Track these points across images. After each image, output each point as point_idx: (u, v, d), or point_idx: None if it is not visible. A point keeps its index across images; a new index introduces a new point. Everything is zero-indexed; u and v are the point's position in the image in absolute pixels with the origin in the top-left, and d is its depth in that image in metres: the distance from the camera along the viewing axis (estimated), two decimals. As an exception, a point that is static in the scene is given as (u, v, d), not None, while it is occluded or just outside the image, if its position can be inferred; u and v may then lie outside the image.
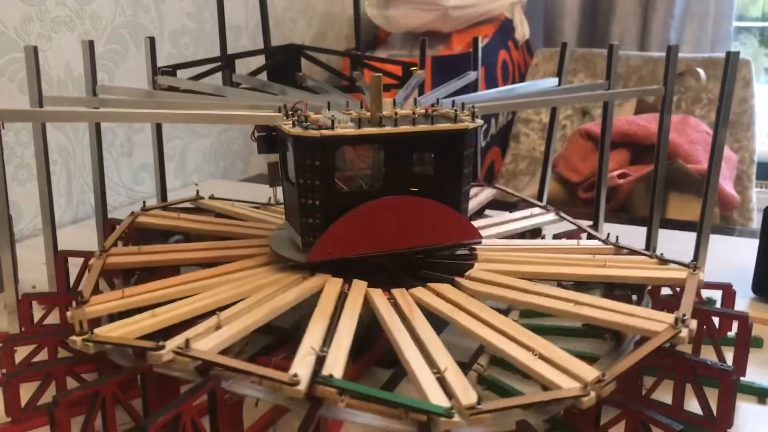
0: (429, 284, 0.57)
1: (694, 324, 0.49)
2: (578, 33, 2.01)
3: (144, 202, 0.79)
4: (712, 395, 0.48)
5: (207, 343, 0.45)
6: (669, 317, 0.50)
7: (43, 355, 0.55)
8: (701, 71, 1.54)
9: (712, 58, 1.68)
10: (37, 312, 0.61)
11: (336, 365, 0.44)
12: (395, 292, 0.56)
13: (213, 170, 1.32)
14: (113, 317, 0.52)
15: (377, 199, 0.57)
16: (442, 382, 0.44)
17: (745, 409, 0.53)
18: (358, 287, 0.56)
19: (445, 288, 0.57)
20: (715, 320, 0.58)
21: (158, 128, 0.86)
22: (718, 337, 0.56)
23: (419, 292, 0.56)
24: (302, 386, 0.41)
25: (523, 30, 1.79)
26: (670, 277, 0.59)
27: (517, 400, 0.44)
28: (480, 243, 0.63)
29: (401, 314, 0.52)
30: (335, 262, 0.58)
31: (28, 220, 0.96)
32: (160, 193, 0.88)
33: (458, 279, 0.58)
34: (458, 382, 0.44)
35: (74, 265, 0.68)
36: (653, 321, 0.50)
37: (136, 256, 0.64)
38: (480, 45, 0.91)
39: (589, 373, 0.45)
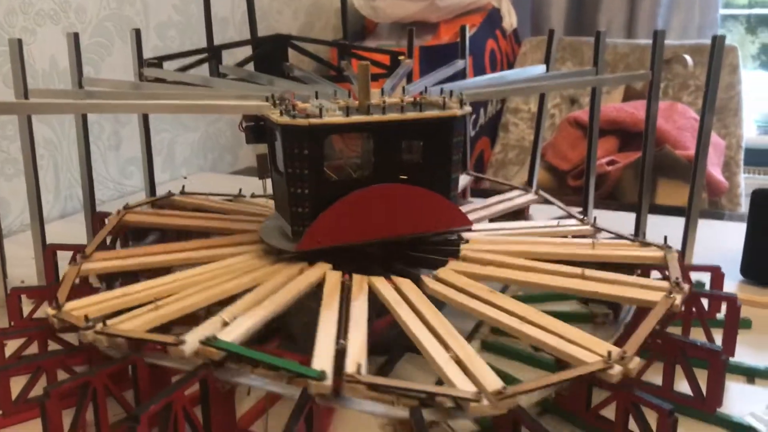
0: (427, 271, 0.58)
1: (687, 288, 0.51)
2: (566, 21, 2.01)
3: (127, 203, 0.77)
4: (702, 376, 0.48)
5: (229, 334, 0.45)
6: (664, 284, 0.51)
7: (33, 349, 0.54)
8: (688, 58, 1.55)
9: (699, 45, 1.68)
10: (27, 306, 0.61)
11: (358, 357, 0.44)
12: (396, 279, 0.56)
13: (202, 163, 1.31)
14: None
15: (366, 188, 0.57)
16: (463, 368, 0.44)
17: (734, 389, 0.53)
18: (359, 277, 0.56)
19: (441, 272, 0.57)
20: (705, 302, 0.58)
21: (145, 120, 0.85)
22: (708, 319, 0.57)
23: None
24: (328, 382, 0.41)
25: (510, 19, 1.79)
26: (651, 255, 0.59)
27: (546, 380, 0.43)
28: (470, 229, 0.63)
29: (407, 301, 0.52)
30: (326, 251, 0.58)
31: (15, 216, 0.96)
32: (149, 187, 0.88)
33: (452, 261, 0.59)
34: (480, 367, 0.44)
35: (63, 258, 0.68)
36: (650, 290, 0.51)
37: (116, 261, 0.61)
38: (467, 34, 0.91)
39: (603, 348, 0.45)
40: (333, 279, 0.55)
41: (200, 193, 0.81)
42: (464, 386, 0.42)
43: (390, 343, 0.57)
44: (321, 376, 0.41)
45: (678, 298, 0.49)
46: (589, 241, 0.64)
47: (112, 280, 0.61)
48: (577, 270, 0.56)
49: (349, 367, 0.42)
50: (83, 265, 0.59)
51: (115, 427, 0.45)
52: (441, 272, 0.57)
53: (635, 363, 0.44)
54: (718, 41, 0.67)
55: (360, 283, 0.55)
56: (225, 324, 0.47)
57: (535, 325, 0.49)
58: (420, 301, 0.53)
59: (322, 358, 0.43)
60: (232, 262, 0.59)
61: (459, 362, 0.44)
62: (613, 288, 0.54)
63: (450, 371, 0.44)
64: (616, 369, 0.43)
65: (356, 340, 0.46)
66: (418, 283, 0.56)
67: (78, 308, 0.51)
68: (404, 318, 0.50)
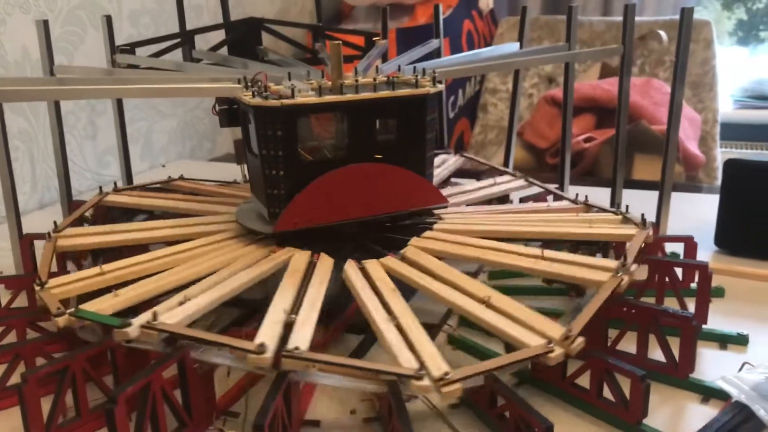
0: (392, 252, 0.58)
1: (635, 268, 0.51)
2: (542, 1, 2.02)
3: (115, 183, 0.78)
4: (675, 343, 0.49)
5: (174, 316, 0.45)
6: (614, 264, 0.51)
7: (12, 338, 0.54)
8: (663, 34, 1.56)
9: (674, 21, 1.69)
10: (5, 296, 0.61)
11: (304, 333, 0.44)
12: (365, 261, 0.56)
13: (180, 151, 1.31)
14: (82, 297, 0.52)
15: (341, 168, 0.58)
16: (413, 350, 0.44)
17: (708, 355, 0.54)
18: (326, 258, 0.56)
19: (408, 251, 0.58)
20: (679, 273, 0.59)
21: (120, 108, 0.85)
22: (683, 289, 0.58)
23: (388, 261, 0.56)
24: (268, 355, 0.41)
25: (486, -1, 1.79)
26: (623, 233, 0.60)
27: (485, 365, 0.43)
28: (446, 207, 0.64)
29: (372, 285, 0.53)
30: (303, 232, 0.58)
31: (-7, 208, 0.95)
32: (125, 175, 0.87)
33: (412, 240, 0.59)
34: (428, 351, 0.44)
35: (41, 249, 0.67)
36: (597, 270, 0.52)
37: (94, 236, 0.62)
38: (441, 13, 0.91)
39: (556, 330, 0.45)
40: (300, 258, 0.55)
41: (197, 179, 0.81)
42: (410, 365, 0.42)
43: (365, 323, 0.57)
44: (259, 349, 0.41)
45: (625, 279, 0.49)
46: (565, 217, 0.64)
47: (96, 256, 0.62)
48: (537, 251, 0.56)
49: (291, 344, 0.42)
50: (58, 241, 0.59)
51: (95, 411, 0.45)
52: (407, 252, 0.58)
53: (579, 343, 0.44)
54: (686, 13, 0.67)
55: (326, 263, 0.55)
56: (180, 303, 0.48)
57: (494, 309, 0.49)
58: (384, 282, 0.53)
59: (267, 333, 0.43)
60: (207, 244, 0.60)
61: (409, 343, 0.44)
62: (566, 268, 0.53)
63: (398, 350, 0.44)
64: (557, 352, 0.43)
65: (308, 317, 0.46)
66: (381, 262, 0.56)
67: (57, 286, 0.51)
68: (365, 299, 0.50)
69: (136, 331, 0.43)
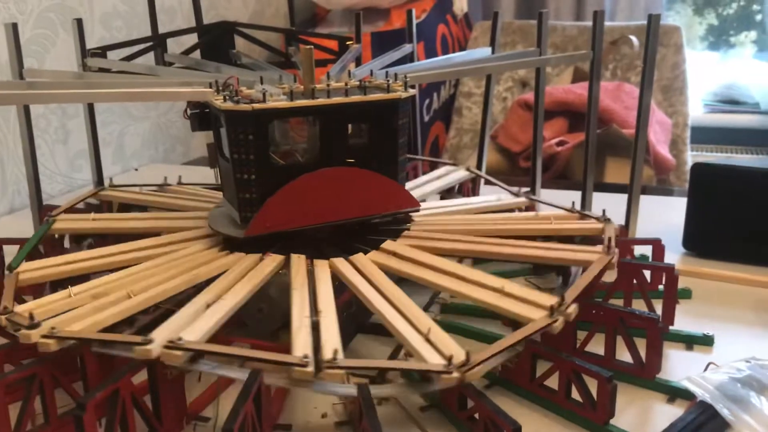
0: (380, 246, 0.59)
1: (615, 255, 0.55)
2: (516, 5, 2.03)
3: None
4: (643, 345, 0.50)
5: (194, 333, 0.45)
6: (599, 249, 0.55)
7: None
8: (634, 39, 1.58)
9: (645, 26, 1.71)
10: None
11: (333, 341, 0.45)
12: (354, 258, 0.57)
13: (153, 154, 1.30)
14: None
15: (314, 172, 0.58)
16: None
17: (674, 356, 0.55)
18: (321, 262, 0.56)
19: (393, 246, 0.59)
20: (647, 275, 0.60)
21: (91, 112, 0.84)
22: (651, 291, 0.59)
23: (373, 255, 0.58)
24: (310, 368, 0.42)
25: (461, 3, 1.80)
26: (590, 227, 0.62)
27: (504, 343, 0.46)
28: (418, 210, 0.64)
29: (366, 278, 0.53)
30: (275, 235, 0.58)
31: (-39, 212, 0.94)
32: (97, 179, 0.87)
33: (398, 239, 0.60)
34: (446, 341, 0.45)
35: (10, 254, 0.67)
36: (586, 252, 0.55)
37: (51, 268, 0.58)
38: (414, 18, 0.92)
39: (549, 300, 0.49)
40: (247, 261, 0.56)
41: (130, 185, 0.80)
42: (432, 359, 0.43)
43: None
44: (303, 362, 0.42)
45: (615, 255, 0.53)
46: (532, 215, 0.66)
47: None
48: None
49: (327, 353, 0.43)
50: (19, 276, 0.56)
51: (64, 417, 0.45)
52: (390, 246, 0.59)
53: (573, 309, 0.48)
54: (654, 19, 0.69)
55: (323, 267, 0.55)
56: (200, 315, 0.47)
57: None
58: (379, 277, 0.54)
59: (301, 345, 0.44)
60: (184, 253, 0.59)
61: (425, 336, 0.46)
62: (553, 252, 0.57)
63: (418, 345, 0.45)
64: (560, 321, 0.47)
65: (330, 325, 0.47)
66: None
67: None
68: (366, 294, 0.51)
69: (158, 350, 0.42)
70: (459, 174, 0.81)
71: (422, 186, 0.78)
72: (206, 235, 0.62)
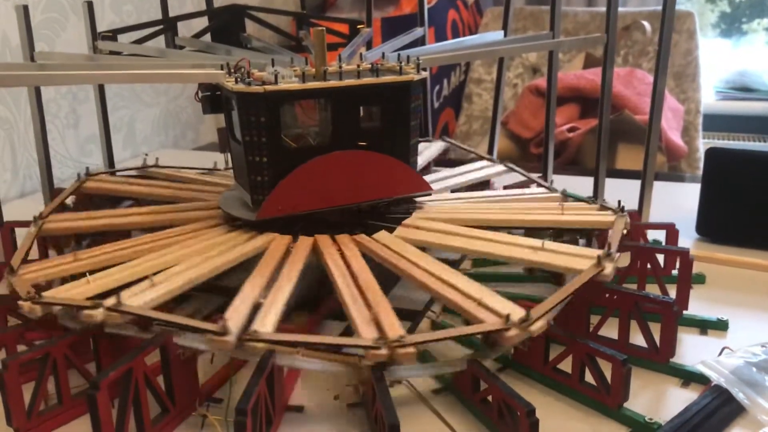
0: (374, 234, 0.58)
1: (617, 257, 0.51)
2: (527, -9, 2.02)
3: (87, 168, 0.77)
4: (657, 330, 0.50)
5: (139, 299, 0.45)
6: (595, 253, 0.51)
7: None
8: (647, 24, 1.56)
9: (657, 12, 1.70)
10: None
11: (269, 316, 0.44)
12: (340, 240, 0.56)
13: (163, 140, 1.30)
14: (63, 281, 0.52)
15: (325, 155, 0.57)
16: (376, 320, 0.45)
17: (688, 340, 0.55)
18: (305, 242, 0.56)
19: (386, 238, 0.58)
20: (661, 259, 0.59)
21: (102, 95, 0.84)
22: (665, 276, 0.58)
23: (366, 241, 0.57)
24: (230, 338, 0.41)
25: (471, -11, 1.79)
26: (604, 220, 0.60)
27: (440, 334, 0.45)
28: (430, 194, 0.64)
29: (345, 261, 0.53)
30: (286, 219, 0.58)
31: (-27, 196, 0.94)
32: (108, 163, 0.87)
33: (398, 227, 0.59)
34: (388, 319, 0.45)
35: (22, 236, 0.67)
36: (579, 258, 0.52)
37: (77, 221, 0.62)
38: (426, 3, 0.91)
39: (516, 312, 0.45)
40: (278, 244, 0.55)
41: (175, 166, 0.81)
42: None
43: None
44: (222, 330, 0.41)
45: (609, 267, 0.49)
46: (545, 206, 0.65)
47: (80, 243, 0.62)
48: (534, 242, 0.56)
49: (255, 325, 0.43)
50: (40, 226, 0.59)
51: (77, 397, 0.45)
52: (384, 238, 0.58)
53: (539, 327, 0.44)
54: (669, 3, 0.68)
55: (303, 247, 0.55)
56: (152, 285, 0.48)
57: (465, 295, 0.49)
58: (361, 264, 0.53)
59: (233, 315, 0.44)
60: (190, 228, 0.59)
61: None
62: (545, 256, 0.54)
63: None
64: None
65: (276, 301, 0.46)
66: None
67: (30, 272, 0.51)
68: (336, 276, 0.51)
69: (101, 314, 0.43)
70: (495, 169, 0.79)
71: (454, 177, 0.76)
72: (217, 224, 0.62)
